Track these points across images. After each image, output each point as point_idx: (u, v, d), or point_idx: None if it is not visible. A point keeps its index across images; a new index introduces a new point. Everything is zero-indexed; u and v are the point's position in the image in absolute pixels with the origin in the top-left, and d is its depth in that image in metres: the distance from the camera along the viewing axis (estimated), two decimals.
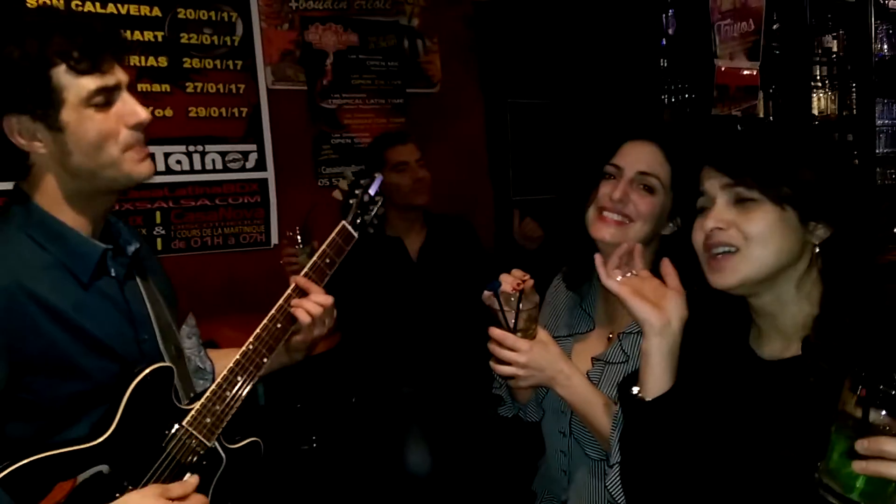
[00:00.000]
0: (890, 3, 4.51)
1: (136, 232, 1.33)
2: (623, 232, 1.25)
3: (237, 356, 1.22)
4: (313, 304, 1.26)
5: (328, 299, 1.27)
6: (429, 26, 3.18)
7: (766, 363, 0.99)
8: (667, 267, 1.06)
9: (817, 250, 0.95)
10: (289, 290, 1.28)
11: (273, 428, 2.16)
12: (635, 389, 1.04)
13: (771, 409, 0.96)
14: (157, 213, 2.62)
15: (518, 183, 3.40)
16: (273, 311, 1.26)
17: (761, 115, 3.78)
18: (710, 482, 0.99)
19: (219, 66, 2.70)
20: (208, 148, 2.68)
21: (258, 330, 1.24)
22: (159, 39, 2.61)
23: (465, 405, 2.36)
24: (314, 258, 1.30)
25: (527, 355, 1.16)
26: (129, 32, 2.55)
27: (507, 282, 1.18)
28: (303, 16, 2.89)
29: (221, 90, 2.71)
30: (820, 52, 4.10)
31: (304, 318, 1.26)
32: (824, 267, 0.96)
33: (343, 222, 1.34)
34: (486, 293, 1.19)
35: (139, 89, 2.57)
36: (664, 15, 3.47)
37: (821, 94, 4.07)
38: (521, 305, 1.16)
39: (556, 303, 1.46)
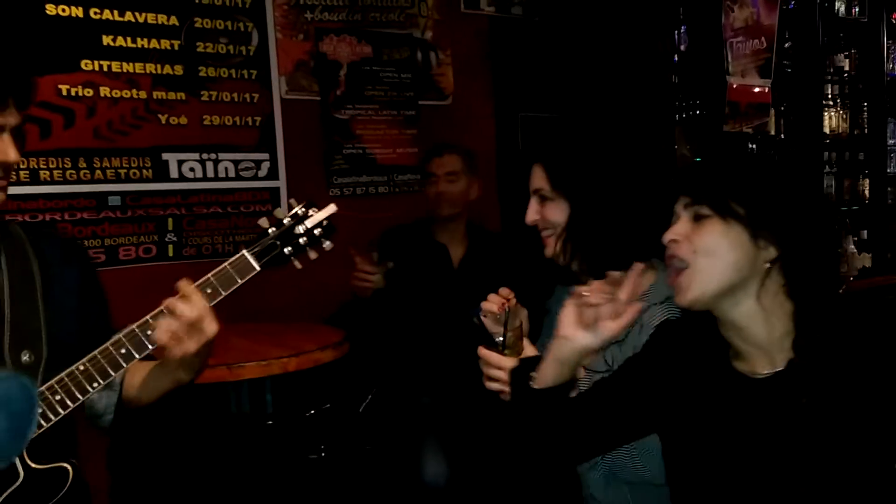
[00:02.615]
0: None
1: (51, 241, 1.29)
2: (552, 244, 1.40)
3: (64, 372, 1.12)
4: (173, 319, 1.13)
5: (192, 313, 1.12)
6: (442, 39, 3.20)
7: (747, 379, 1.03)
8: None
9: (767, 265, 0.99)
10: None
11: (281, 436, 2.16)
12: (533, 374, 1.14)
13: (753, 425, 1.01)
14: (170, 220, 2.63)
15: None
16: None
17: (772, 133, 3.79)
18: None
19: (234, 76, 2.73)
20: (221, 156, 2.70)
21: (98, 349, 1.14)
22: (175, 48, 2.63)
23: (484, 416, 2.35)
24: (200, 281, 1.16)
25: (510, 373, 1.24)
26: (146, 40, 2.58)
27: (494, 301, 1.28)
28: (317, 27, 2.91)
29: (236, 99, 2.73)
30: (832, 70, 4.10)
31: (162, 335, 1.13)
32: (787, 284, 1.00)
33: (243, 251, 1.19)
34: (475, 316, 1.29)
35: (154, 97, 2.59)
36: (677, 31, 3.48)
37: (832, 113, 4.06)
38: (506, 325, 1.24)
39: (557, 312, 1.52)
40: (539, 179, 1.42)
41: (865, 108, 4.27)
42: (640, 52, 3.45)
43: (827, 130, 4.02)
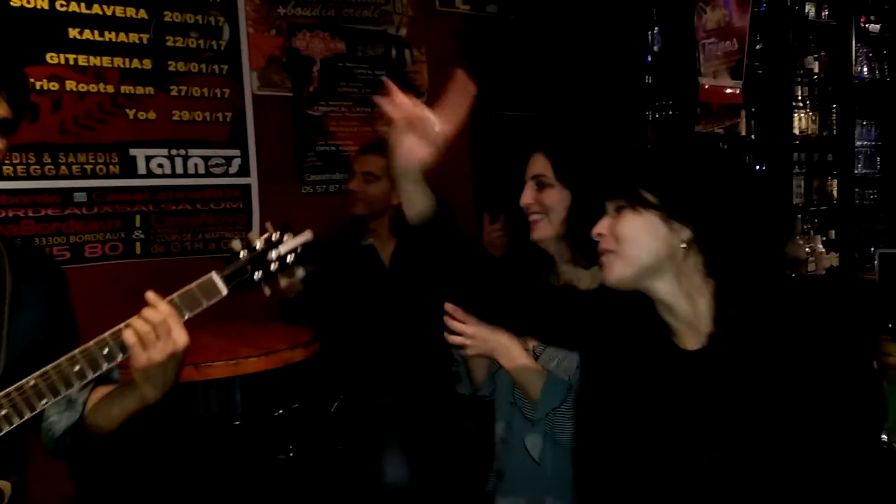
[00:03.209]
0: (870, 27, 4.60)
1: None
2: (542, 228, 1.49)
3: (13, 386, 1.09)
4: (142, 321, 1.10)
5: (158, 316, 1.10)
6: (417, 36, 3.19)
7: (684, 353, 1.10)
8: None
9: (683, 246, 1.05)
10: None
11: (248, 437, 2.13)
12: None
13: (688, 396, 1.07)
14: (137, 217, 2.58)
15: (503, 195, 3.40)
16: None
17: (743, 134, 3.84)
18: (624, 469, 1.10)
19: (204, 70, 2.68)
20: (191, 152, 2.66)
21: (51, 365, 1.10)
22: (144, 42, 2.58)
23: (444, 416, 2.35)
24: (165, 300, 1.13)
25: (473, 327, 1.36)
26: (113, 34, 2.53)
27: None
28: (290, 22, 2.88)
29: (206, 94, 2.69)
30: (802, 72, 4.16)
31: (128, 337, 1.10)
32: (706, 264, 1.05)
33: (212, 273, 1.16)
34: None
35: (122, 91, 2.54)
36: (650, 32, 3.50)
37: (802, 115, 4.12)
38: None
39: None
40: (540, 166, 1.49)
41: (834, 110, 4.34)
42: (614, 52, 3.47)
43: (796, 132, 4.08)
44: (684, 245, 1.05)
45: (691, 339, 1.09)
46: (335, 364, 2.38)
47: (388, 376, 2.34)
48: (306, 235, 1.23)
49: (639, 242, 1.06)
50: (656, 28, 3.52)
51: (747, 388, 1.00)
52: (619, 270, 1.08)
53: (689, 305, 1.07)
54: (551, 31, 3.46)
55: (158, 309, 1.11)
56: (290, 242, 1.20)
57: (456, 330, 1.37)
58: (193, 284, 1.16)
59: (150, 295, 1.13)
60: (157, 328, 1.10)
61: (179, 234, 2.65)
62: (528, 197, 1.50)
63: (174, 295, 1.15)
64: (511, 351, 1.38)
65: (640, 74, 3.46)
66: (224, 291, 1.16)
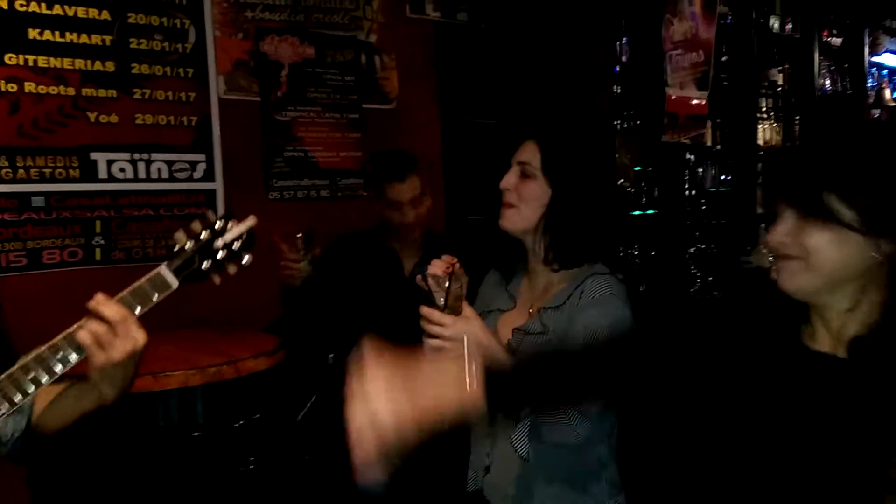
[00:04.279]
0: (832, 41, 4.72)
1: None
2: (513, 217, 1.44)
3: None
4: (97, 321, 1.08)
5: (115, 315, 1.08)
6: (387, 43, 3.18)
7: (818, 354, 1.01)
8: None
9: (880, 259, 0.94)
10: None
11: (208, 449, 2.09)
12: None
13: (818, 401, 0.97)
14: (98, 222, 2.53)
15: (474, 202, 3.40)
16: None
17: (709, 144, 3.90)
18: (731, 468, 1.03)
19: (169, 73, 2.64)
20: (154, 156, 2.61)
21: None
22: (107, 44, 2.53)
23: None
24: (115, 298, 1.11)
25: (451, 329, 1.32)
26: (75, 35, 2.47)
27: (438, 266, 1.34)
28: (258, 26, 2.85)
29: (171, 98, 2.64)
30: (766, 84, 4.25)
31: (83, 338, 1.08)
32: (889, 275, 0.95)
33: (161, 266, 1.15)
34: (418, 277, 1.36)
35: (83, 94, 2.49)
36: (618, 42, 3.55)
37: (766, 126, 4.21)
38: (449, 286, 1.33)
39: (489, 288, 1.62)
40: (528, 154, 1.43)
41: (797, 122, 4.44)
42: (583, 61, 3.50)
43: (761, 142, 4.16)
44: (878, 256, 0.94)
45: (826, 341, 1.01)
46: (309, 368, 2.34)
47: None
48: (249, 221, 1.21)
49: (832, 255, 0.94)
50: (624, 39, 3.57)
51: (881, 408, 0.91)
52: (803, 281, 0.97)
53: (847, 311, 0.98)
54: (522, 40, 3.48)
55: (112, 307, 1.08)
56: (234, 230, 1.19)
57: (433, 333, 1.33)
58: (143, 279, 1.13)
59: (100, 296, 1.10)
60: (116, 327, 1.08)
61: (141, 240, 2.60)
62: (509, 181, 1.44)
63: (124, 292, 1.12)
64: (490, 349, 1.33)
65: (608, 84, 3.49)
66: (174, 284, 1.14)
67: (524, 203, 1.42)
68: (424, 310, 1.34)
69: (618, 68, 3.55)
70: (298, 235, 2.08)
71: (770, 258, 1.02)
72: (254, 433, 2.18)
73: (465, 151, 3.41)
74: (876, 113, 5.17)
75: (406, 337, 2.41)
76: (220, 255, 1.18)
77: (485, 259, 1.59)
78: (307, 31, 2.97)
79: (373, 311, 2.29)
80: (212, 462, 2.09)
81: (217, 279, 1.18)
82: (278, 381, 2.26)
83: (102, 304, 1.09)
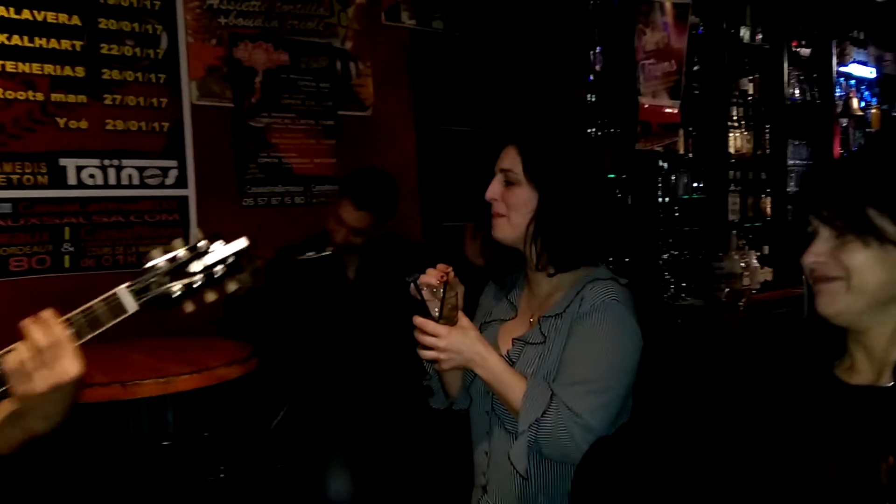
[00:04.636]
0: (801, 51, 4.81)
1: None
2: (503, 226, 1.40)
3: None
4: (26, 346, 0.97)
5: (44, 340, 0.96)
6: (362, 50, 3.18)
7: (853, 388, 0.97)
8: None
9: None
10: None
11: (178, 458, 2.06)
12: None
13: (853, 434, 0.92)
14: (66, 229, 2.49)
15: (449, 209, 3.41)
16: None
17: (681, 152, 3.95)
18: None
19: (140, 79, 2.62)
20: (125, 162, 2.58)
21: None
22: (77, 49, 2.51)
23: (391, 431, 2.32)
24: (66, 317, 1.00)
25: (446, 339, 1.27)
26: (44, 40, 2.44)
27: (433, 274, 1.30)
28: (232, 32, 2.84)
29: (142, 103, 2.62)
30: (737, 94, 4.32)
31: (8, 364, 0.97)
32: None
33: (119, 288, 1.02)
34: (411, 286, 1.31)
35: (53, 99, 2.46)
36: (592, 52, 3.58)
37: (737, 134, 4.27)
38: (444, 295, 1.28)
39: (489, 298, 1.58)
40: (510, 160, 1.39)
41: (767, 130, 4.52)
42: (558, 70, 3.54)
43: (732, 150, 4.23)
44: None
45: (867, 371, 0.96)
46: (280, 377, 2.33)
47: (337, 390, 2.31)
48: (240, 244, 1.07)
49: (875, 273, 0.90)
50: (598, 48, 3.61)
51: None
52: (845, 303, 0.92)
53: (889, 339, 0.93)
54: (497, 49, 3.51)
55: (49, 331, 0.96)
56: (218, 252, 1.05)
57: (428, 344, 1.28)
58: (98, 300, 1.01)
59: (46, 313, 0.99)
60: (43, 354, 0.95)
61: (111, 247, 2.57)
62: (493, 191, 1.40)
63: (74, 312, 1.00)
64: (487, 360, 1.30)
65: (582, 92, 3.53)
66: (132, 308, 1.02)
67: (512, 211, 1.38)
68: (418, 320, 1.29)
69: (592, 77, 3.58)
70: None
71: (809, 279, 0.95)
72: (224, 442, 2.15)
73: (440, 158, 3.42)
74: (844, 122, 5.29)
75: (352, 339, 2.42)
76: (196, 279, 1.04)
77: (460, 266, 1.54)
78: (281, 38, 2.96)
79: (318, 317, 2.29)
80: (181, 472, 2.07)
81: (190, 306, 1.05)
82: (252, 389, 2.24)
83: (36, 324, 0.97)
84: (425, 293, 1.29)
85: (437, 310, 1.29)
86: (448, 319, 1.29)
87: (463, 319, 1.31)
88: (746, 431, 1.05)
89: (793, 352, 1.06)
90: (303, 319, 2.29)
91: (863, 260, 0.90)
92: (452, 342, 1.28)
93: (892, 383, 0.92)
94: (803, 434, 0.96)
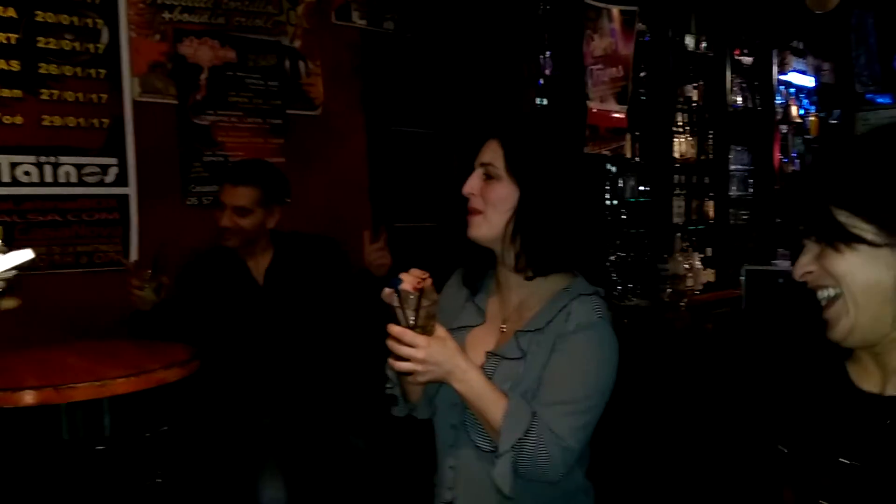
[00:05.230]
0: (744, 60, 4.98)
1: None
2: (480, 224, 1.32)
3: None
4: None
5: None
6: (312, 49, 3.16)
7: (867, 395, 0.92)
8: None
9: None
10: None
11: (113, 463, 2.02)
12: None
13: (866, 442, 0.89)
14: (0, 228, 2.41)
15: (400, 210, 3.41)
16: None
17: (628, 156, 4.04)
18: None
19: (79, 74, 2.54)
20: (62, 159, 2.50)
21: None
22: (12, 42, 2.42)
23: (323, 436, 2.31)
24: None
25: (425, 351, 1.18)
26: None
27: (408, 281, 1.21)
28: (176, 28, 2.78)
29: (81, 99, 2.54)
30: (682, 100, 4.44)
31: None
32: None
33: None
34: (387, 290, 1.20)
35: None
36: (542, 56, 3.64)
37: (682, 139, 4.40)
38: (420, 303, 1.18)
39: (450, 299, 1.46)
40: (492, 154, 1.31)
41: (711, 136, 4.66)
42: (508, 73, 3.58)
43: (677, 155, 4.35)
44: None
45: (873, 379, 0.92)
46: (212, 384, 2.29)
47: (268, 396, 2.28)
48: (24, 255, 0.89)
49: (862, 278, 0.85)
50: (548, 52, 3.67)
51: None
52: (847, 325, 0.87)
53: (892, 342, 0.89)
54: (448, 51, 3.53)
55: None
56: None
57: (405, 355, 1.18)
58: None
59: None
60: None
61: (48, 246, 2.48)
62: (472, 185, 1.32)
63: None
64: (468, 374, 1.22)
65: (531, 96, 3.58)
66: None
67: (491, 207, 1.30)
68: (395, 329, 1.18)
69: (542, 81, 3.64)
70: (147, 270, 2.10)
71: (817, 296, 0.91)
72: (161, 446, 2.11)
73: (390, 159, 3.42)
74: (784, 129, 5.49)
75: (271, 345, 2.40)
76: None
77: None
78: (228, 35, 2.91)
79: (230, 326, 2.27)
80: (116, 476, 2.02)
81: None
82: (193, 392, 2.20)
83: None
84: (401, 300, 1.19)
85: (412, 319, 1.18)
86: (424, 329, 1.20)
87: (440, 329, 1.22)
88: (755, 429, 1.04)
89: (807, 347, 1.02)
90: (215, 329, 2.25)
91: (845, 266, 0.86)
92: (432, 354, 1.18)
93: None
94: (811, 436, 0.93)
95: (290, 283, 2.29)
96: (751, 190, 5.08)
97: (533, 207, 1.28)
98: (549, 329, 1.27)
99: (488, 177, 1.31)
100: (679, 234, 4.29)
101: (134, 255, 2.63)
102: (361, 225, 3.30)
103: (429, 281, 1.21)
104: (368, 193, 3.38)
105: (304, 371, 2.29)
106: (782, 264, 3.64)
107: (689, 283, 4.16)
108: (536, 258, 1.28)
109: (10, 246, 2.43)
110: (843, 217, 0.85)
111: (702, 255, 4.43)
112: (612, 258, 3.96)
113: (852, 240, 0.84)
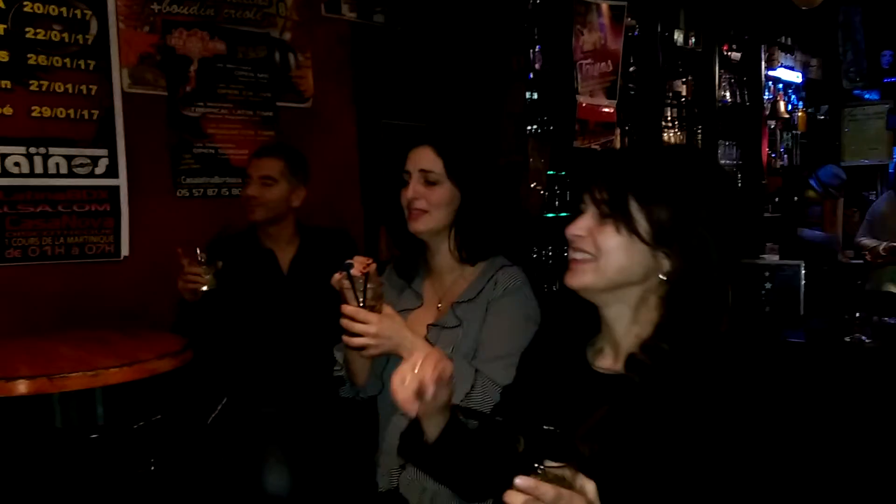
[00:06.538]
0: (732, 55, 5.01)
1: None
2: (425, 220, 1.49)
3: None
4: None
5: None
6: (302, 41, 3.16)
7: (597, 374, 1.08)
8: None
9: (662, 277, 1.00)
10: None
11: (106, 451, 2.03)
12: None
13: (590, 416, 1.00)
14: None
15: (390, 203, 3.42)
16: None
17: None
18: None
19: (69, 65, 2.53)
20: (52, 151, 2.50)
21: None
22: (0, 33, 2.41)
23: (327, 424, 2.33)
24: None
25: (376, 326, 1.32)
26: None
27: (356, 264, 1.35)
28: (166, 19, 2.78)
29: (70, 90, 2.54)
30: (671, 95, 4.47)
31: None
32: (666, 296, 1.01)
33: None
34: (337, 276, 1.34)
35: None
36: (532, 50, 3.65)
37: (671, 134, 4.43)
38: (368, 284, 1.33)
39: (388, 288, 1.61)
40: (429, 161, 1.49)
41: (699, 131, 4.69)
42: (498, 67, 3.59)
43: None
44: (663, 276, 1.00)
45: (607, 358, 1.07)
46: (218, 371, 2.30)
47: (275, 385, 2.29)
48: None
49: (620, 260, 1.00)
50: (538, 47, 3.68)
51: (662, 416, 0.95)
52: (590, 280, 1.02)
53: (627, 327, 1.04)
54: (438, 44, 3.54)
55: None
56: None
57: (358, 331, 1.33)
58: None
59: None
60: None
61: (38, 237, 2.48)
62: (415, 191, 1.49)
63: None
64: (415, 344, 1.36)
65: (521, 90, 3.59)
66: None
67: (435, 208, 1.48)
68: (349, 308, 1.33)
69: (531, 75, 3.65)
70: (199, 251, 2.06)
71: (569, 249, 1.06)
72: (154, 435, 2.12)
73: (381, 152, 3.43)
74: (772, 124, 5.54)
75: (287, 333, 2.41)
76: None
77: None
78: (218, 26, 2.91)
79: (252, 312, 2.28)
80: (109, 464, 2.03)
81: None
82: (186, 383, 2.21)
83: None
84: (349, 283, 1.34)
85: (362, 299, 1.33)
86: (373, 308, 1.35)
87: (387, 308, 1.37)
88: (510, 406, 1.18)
89: (555, 329, 1.18)
90: (237, 315, 2.27)
91: (613, 244, 1.00)
92: (383, 329, 1.33)
93: (624, 372, 1.02)
94: (552, 414, 1.03)
95: (313, 274, 2.31)
96: (739, 184, 5.12)
97: (472, 206, 1.48)
98: (481, 297, 1.47)
99: (429, 182, 1.48)
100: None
101: (125, 246, 2.63)
102: (353, 215, 3.33)
103: (373, 266, 1.35)
104: (359, 185, 3.39)
105: (313, 360, 2.30)
106: (770, 258, 3.68)
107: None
108: (473, 247, 1.50)
109: (3, 237, 2.44)
110: (634, 207, 0.99)
111: None
112: None
113: (631, 229, 0.99)
